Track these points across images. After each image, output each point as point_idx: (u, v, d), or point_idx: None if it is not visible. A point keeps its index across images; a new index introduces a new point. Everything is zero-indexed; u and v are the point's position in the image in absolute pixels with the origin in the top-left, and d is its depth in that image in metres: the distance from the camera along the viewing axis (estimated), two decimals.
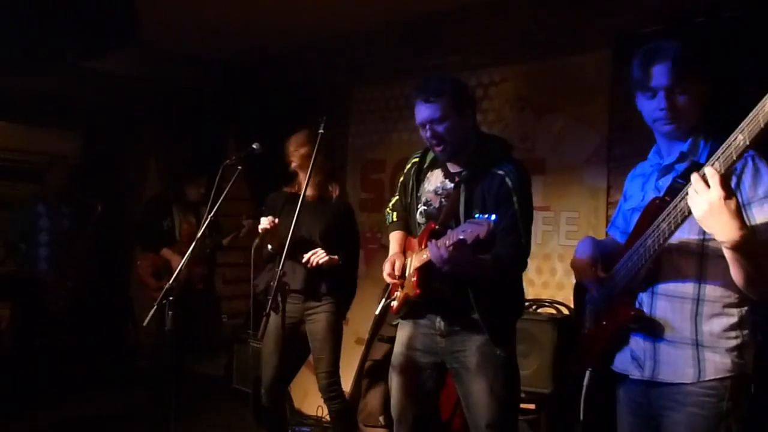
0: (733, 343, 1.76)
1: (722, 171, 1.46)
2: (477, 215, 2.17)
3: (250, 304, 3.64)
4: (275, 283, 2.84)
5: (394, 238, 2.80)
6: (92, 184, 5.62)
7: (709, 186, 1.46)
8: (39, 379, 4.58)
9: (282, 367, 3.45)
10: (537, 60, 4.28)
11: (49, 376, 4.63)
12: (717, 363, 1.75)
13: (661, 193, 1.86)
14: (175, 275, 2.88)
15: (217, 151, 6.14)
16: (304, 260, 3.35)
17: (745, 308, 1.77)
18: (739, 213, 1.48)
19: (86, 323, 5.07)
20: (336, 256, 3.42)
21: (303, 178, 3.45)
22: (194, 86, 6.12)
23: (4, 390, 4.45)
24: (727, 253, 1.57)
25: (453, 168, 2.59)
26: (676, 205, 1.66)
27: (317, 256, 3.35)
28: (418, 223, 2.66)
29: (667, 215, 1.70)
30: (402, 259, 2.65)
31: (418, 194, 2.69)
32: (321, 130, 3.05)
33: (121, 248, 5.43)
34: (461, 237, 2.16)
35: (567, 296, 3.78)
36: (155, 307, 2.74)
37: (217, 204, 3.08)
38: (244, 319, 5.61)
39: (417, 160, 2.77)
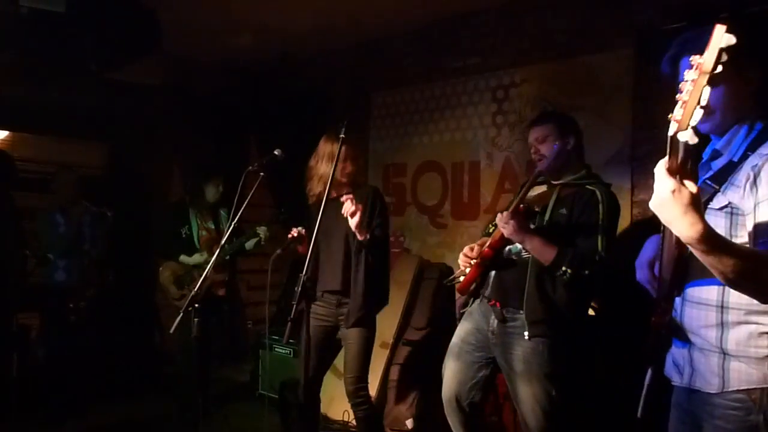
0: (764, 352, 1.65)
1: (672, 164, 1.38)
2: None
3: (266, 311, 3.61)
4: (299, 288, 2.85)
5: (480, 240, 3.12)
6: (118, 193, 5.70)
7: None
8: (68, 386, 4.63)
9: (315, 368, 3.41)
10: (558, 60, 4.25)
11: (78, 384, 4.67)
12: (742, 373, 1.67)
13: None
14: (200, 283, 2.90)
15: (240, 156, 6.19)
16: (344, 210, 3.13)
17: None
18: (695, 207, 1.37)
19: (112, 331, 5.11)
20: (365, 229, 3.22)
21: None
22: (217, 94, 6.18)
23: (34, 398, 4.51)
24: (692, 250, 1.47)
25: (556, 175, 2.95)
26: None
27: (349, 205, 3.11)
28: None
29: None
30: (480, 249, 2.97)
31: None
32: (342, 135, 3.07)
33: (146, 256, 5.47)
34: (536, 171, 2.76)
35: None
36: (181, 314, 2.76)
37: (240, 210, 3.08)
38: (268, 325, 5.63)
39: (526, 180, 3.14)
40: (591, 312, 3.65)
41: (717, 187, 1.71)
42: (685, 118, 1.34)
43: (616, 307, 3.54)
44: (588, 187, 2.81)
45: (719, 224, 1.68)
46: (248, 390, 5.28)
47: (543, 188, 3.01)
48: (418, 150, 5.17)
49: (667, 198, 1.36)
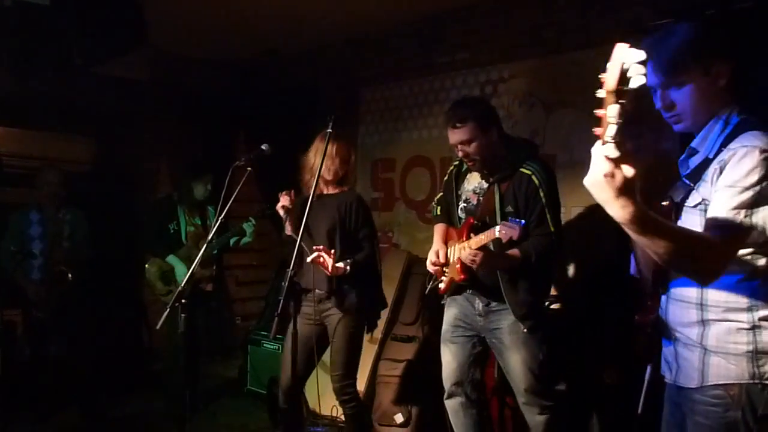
0: (743, 348, 1.65)
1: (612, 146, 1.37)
2: (510, 219, 2.69)
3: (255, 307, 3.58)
4: (286, 283, 2.84)
5: (438, 230, 3.28)
6: (104, 189, 5.65)
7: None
8: (55, 383, 4.59)
9: (297, 368, 3.33)
10: (546, 56, 4.25)
11: (64, 381, 4.63)
12: (721, 368, 1.67)
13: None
14: (186, 278, 2.88)
15: (228, 151, 6.17)
16: (308, 259, 3.22)
17: (759, 313, 1.65)
18: (628, 191, 1.39)
19: (99, 327, 5.06)
20: (341, 264, 3.28)
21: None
22: (205, 89, 6.14)
23: (22, 394, 4.48)
24: (626, 231, 1.50)
25: (488, 170, 3.01)
26: None
27: (321, 257, 3.20)
28: (459, 217, 3.14)
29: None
30: (444, 249, 3.15)
31: (459, 192, 3.17)
32: (329, 130, 3.07)
33: (133, 252, 5.44)
34: (497, 235, 2.69)
35: None
36: (167, 310, 2.75)
37: (227, 206, 3.07)
38: (257, 321, 5.62)
39: (457, 162, 3.21)
40: (557, 306, 3.72)
41: (692, 185, 1.72)
42: (603, 133, 1.35)
43: (604, 299, 3.57)
44: (522, 170, 2.88)
45: (695, 222, 1.68)
46: (236, 386, 5.27)
47: (477, 177, 3.09)
48: (407, 145, 5.17)
49: (600, 181, 1.38)
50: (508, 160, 2.94)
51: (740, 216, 1.55)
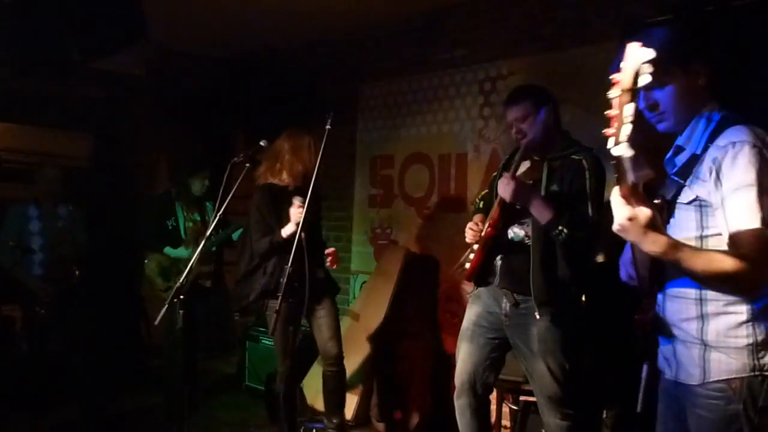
0: (744, 341, 1.67)
1: (625, 191, 1.51)
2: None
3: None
4: (284, 279, 2.85)
5: (475, 218, 3.16)
6: (103, 185, 5.65)
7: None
8: (54, 380, 4.59)
9: (297, 359, 3.58)
10: (545, 52, 4.25)
11: (62, 377, 4.63)
12: (722, 363, 1.69)
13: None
14: (185, 274, 2.88)
15: (226, 148, 6.16)
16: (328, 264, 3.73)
17: (758, 305, 1.67)
18: (653, 227, 1.53)
19: (98, 324, 5.06)
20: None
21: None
22: (203, 85, 6.14)
23: (20, 390, 4.48)
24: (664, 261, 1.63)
25: (540, 151, 2.96)
26: None
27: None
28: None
29: None
30: (480, 222, 3.03)
31: None
32: (328, 126, 3.07)
33: (131, 248, 5.44)
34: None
35: None
36: (166, 306, 2.75)
37: (226, 202, 3.07)
38: (255, 317, 5.62)
39: (507, 156, 3.18)
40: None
41: (683, 182, 1.77)
42: (617, 134, 1.44)
43: (600, 299, 3.57)
44: (573, 156, 2.86)
45: (690, 217, 1.74)
46: (235, 382, 5.27)
47: (528, 163, 3.02)
48: (406, 142, 5.16)
49: (626, 225, 1.54)
50: (563, 147, 2.93)
51: (759, 221, 1.60)
